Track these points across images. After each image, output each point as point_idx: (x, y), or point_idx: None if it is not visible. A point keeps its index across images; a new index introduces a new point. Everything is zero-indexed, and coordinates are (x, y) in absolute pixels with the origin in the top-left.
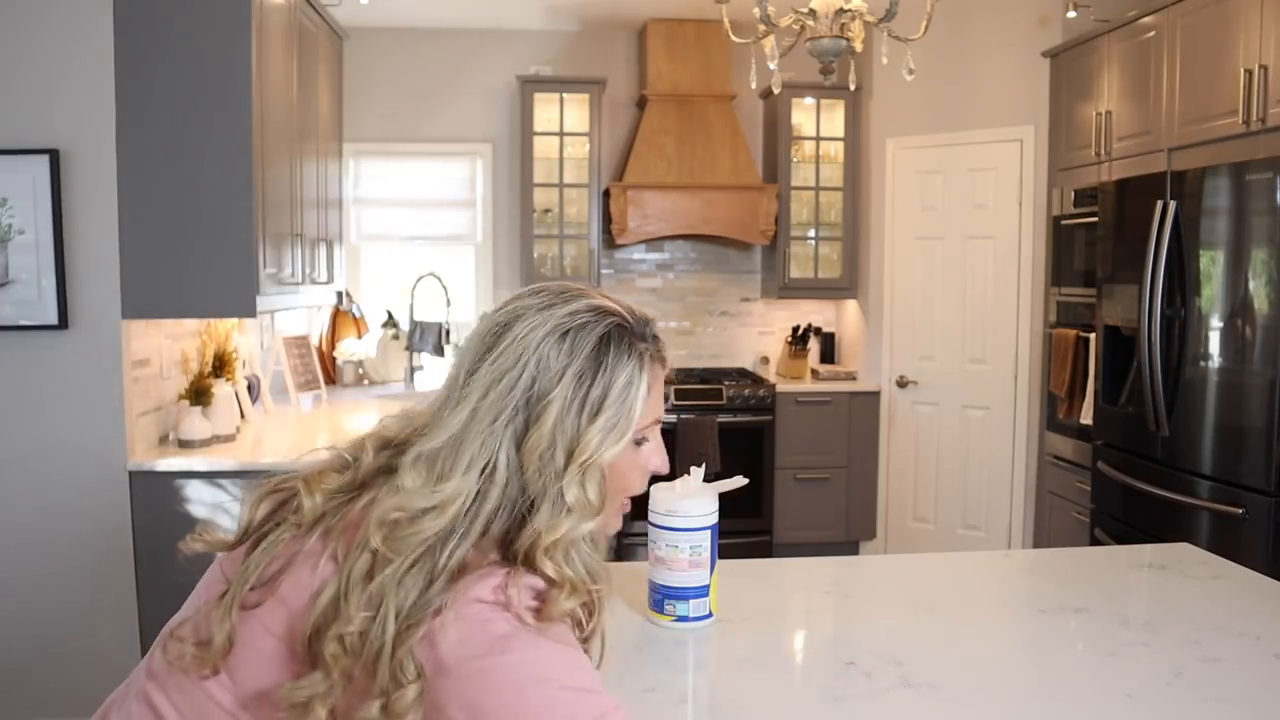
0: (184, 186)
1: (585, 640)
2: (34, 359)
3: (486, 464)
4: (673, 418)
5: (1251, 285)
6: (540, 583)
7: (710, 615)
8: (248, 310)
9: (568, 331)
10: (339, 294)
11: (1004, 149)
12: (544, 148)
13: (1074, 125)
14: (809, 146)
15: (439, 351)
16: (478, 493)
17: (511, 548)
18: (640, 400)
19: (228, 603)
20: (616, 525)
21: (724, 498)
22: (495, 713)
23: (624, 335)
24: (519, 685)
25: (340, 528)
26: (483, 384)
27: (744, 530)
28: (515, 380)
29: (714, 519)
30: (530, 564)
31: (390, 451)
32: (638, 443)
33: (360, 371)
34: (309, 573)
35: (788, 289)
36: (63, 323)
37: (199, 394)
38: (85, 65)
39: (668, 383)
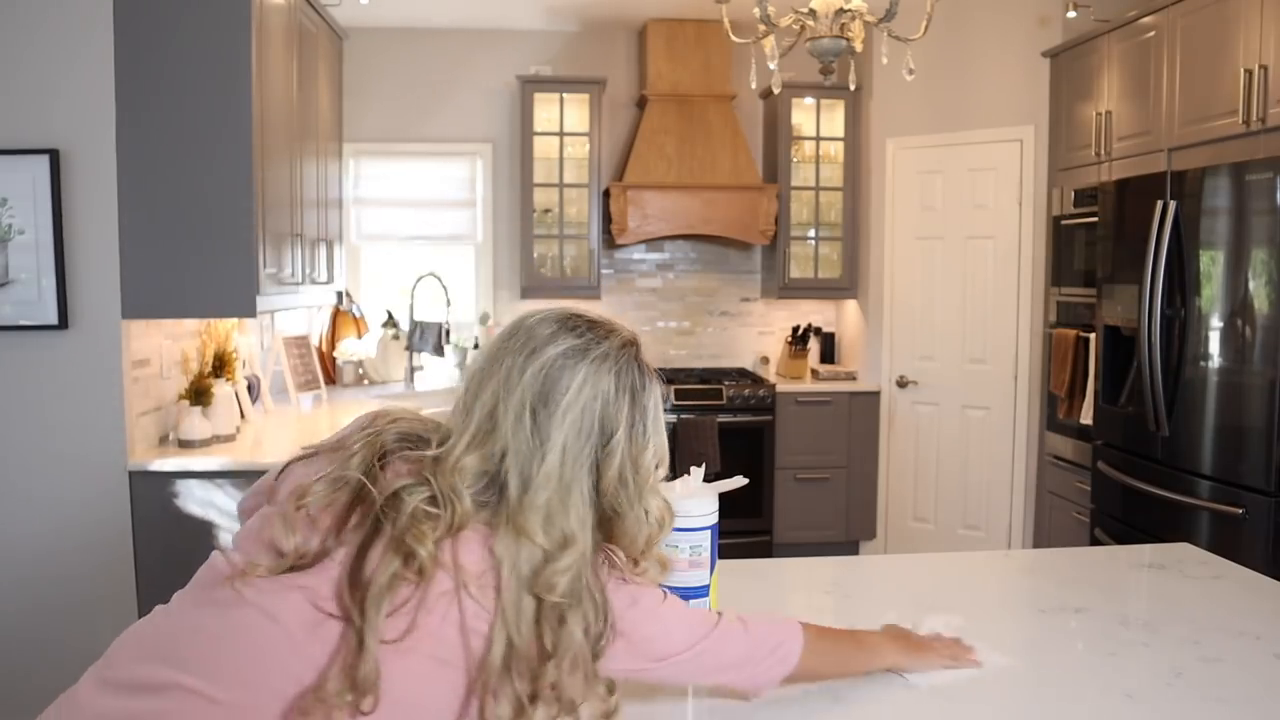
0: (184, 186)
1: None
2: (34, 359)
3: (584, 501)
4: (673, 418)
5: (1251, 285)
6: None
7: None
8: (248, 310)
9: (619, 370)
10: (339, 294)
11: (1004, 149)
12: (544, 148)
13: (1074, 125)
14: (809, 146)
15: (439, 351)
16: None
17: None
18: (662, 417)
19: (362, 641)
20: None
21: (724, 498)
22: (653, 641)
23: (642, 361)
24: (652, 615)
25: (452, 561)
26: (562, 431)
27: (744, 530)
28: (591, 427)
29: (714, 519)
30: (633, 559)
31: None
32: None
33: (360, 371)
34: (455, 609)
35: (788, 289)
36: (63, 323)
37: (199, 394)
38: (85, 65)
39: (668, 382)
